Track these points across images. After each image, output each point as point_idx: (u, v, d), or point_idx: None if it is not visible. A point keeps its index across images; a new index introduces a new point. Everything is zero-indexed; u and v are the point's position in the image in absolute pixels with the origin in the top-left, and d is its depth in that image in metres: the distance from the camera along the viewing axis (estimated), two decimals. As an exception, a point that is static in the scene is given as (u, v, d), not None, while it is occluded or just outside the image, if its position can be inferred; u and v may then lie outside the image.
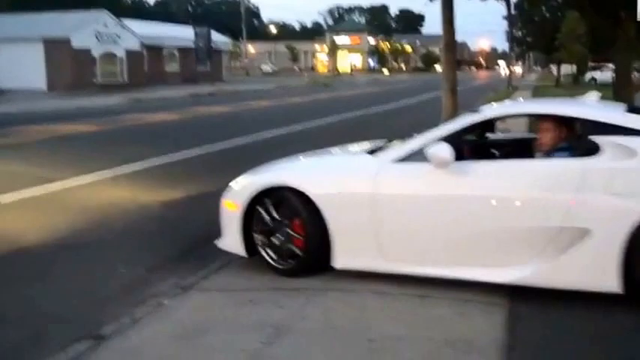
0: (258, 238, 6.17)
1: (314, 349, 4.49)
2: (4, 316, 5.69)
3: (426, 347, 4.42)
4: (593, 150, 5.07)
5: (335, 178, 5.98)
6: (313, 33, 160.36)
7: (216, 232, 6.85)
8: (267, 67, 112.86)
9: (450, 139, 5.47)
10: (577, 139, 5.50)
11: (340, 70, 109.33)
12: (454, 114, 17.33)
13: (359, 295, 5.46)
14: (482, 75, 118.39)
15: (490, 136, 6.87)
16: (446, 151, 5.25)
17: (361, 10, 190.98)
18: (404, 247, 5.60)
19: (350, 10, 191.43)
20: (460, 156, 5.48)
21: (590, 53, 54.32)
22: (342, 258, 5.76)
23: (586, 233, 4.92)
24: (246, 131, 19.47)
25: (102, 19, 53.91)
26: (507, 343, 4.44)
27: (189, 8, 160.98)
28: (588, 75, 64.19)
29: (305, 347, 4.52)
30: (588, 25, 43.07)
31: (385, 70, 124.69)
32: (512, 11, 57.97)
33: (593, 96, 6.71)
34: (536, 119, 5.98)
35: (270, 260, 6.11)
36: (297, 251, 5.93)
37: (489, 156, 6.23)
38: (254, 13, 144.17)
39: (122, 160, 13.88)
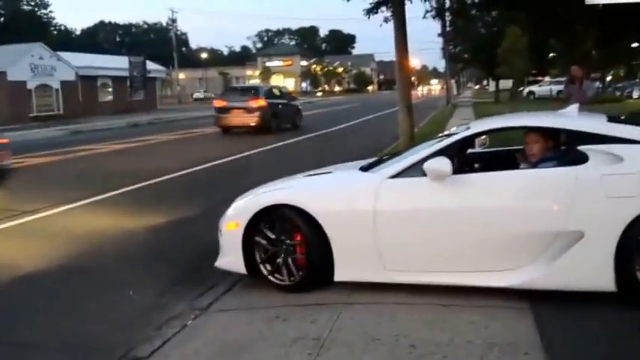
0: (259, 256, 6.42)
1: (363, 357, 4.66)
2: (31, 346, 5.70)
3: (470, 350, 4.63)
4: (581, 159, 5.44)
5: (335, 195, 6.34)
6: (242, 57, 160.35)
7: (207, 254, 7.05)
8: (198, 94, 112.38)
9: (443, 154, 5.85)
10: (564, 148, 6.00)
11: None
12: (411, 131, 17.79)
13: (384, 306, 5.65)
14: (413, 94, 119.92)
15: (472, 150, 7.27)
16: (445, 164, 5.64)
17: (290, 32, 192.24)
18: (405, 257, 5.92)
19: (279, 33, 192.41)
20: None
21: (532, 68, 55.81)
22: (343, 271, 6.06)
23: (581, 236, 5.28)
24: (214, 155, 19.42)
25: (37, 51, 53.30)
26: (545, 343, 4.69)
27: (117, 37, 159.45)
28: (526, 89, 66.17)
29: (353, 357, 4.68)
30: (530, 40, 44.60)
31: (318, 93, 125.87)
32: (448, 28, 59.11)
33: (573, 108, 7.15)
34: (524, 132, 6.37)
35: (271, 277, 6.38)
36: (299, 267, 6.23)
37: (478, 169, 6.54)
38: (182, 41, 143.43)
39: (99, 188, 13.80)
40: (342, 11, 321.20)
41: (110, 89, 64.12)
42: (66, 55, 58.13)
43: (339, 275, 6.07)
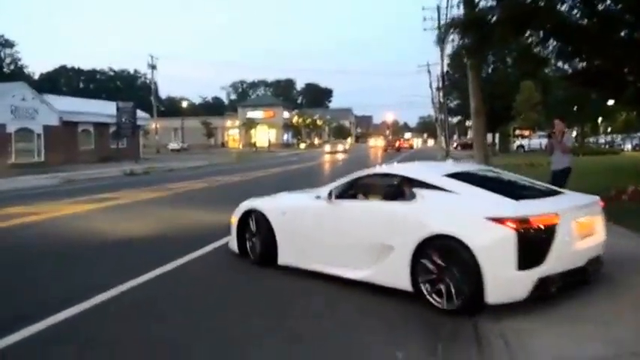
0: (247, 239, 10.62)
1: None
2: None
3: None
4: (411, 196, 8.25)
5: (282, 205, 10.26)
6: (215, 107, 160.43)
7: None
8: (174, 145, 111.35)
9: (341, 187, 9.43)
10: (405, 190, 8.58)
11: (258, 146, 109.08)
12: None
13: None
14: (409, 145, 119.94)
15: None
16: (324, 192, 9.40)
17: (266, 84, 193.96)
18: (306, 250, 9.46)
19: (254, 85, 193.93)
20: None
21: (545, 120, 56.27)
22: (283, 257, 9.86)
23: (392, 248, 8.03)
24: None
25: (19, 92, 51.68)
26: None
27: (80, 84, 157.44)
28: (515, 143, 67.23)
29: None
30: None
31: (302, 145, 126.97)
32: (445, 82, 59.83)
33: (449, 161, 11.76)
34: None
35: (249, 251, 10.52)
36: (261, 248, 10.20)
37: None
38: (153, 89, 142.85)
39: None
40: (319, 64, 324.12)
41: (92, 136, 62.52)
42: (47, 98, 56.57)
43: (281, 260, 9.87)
